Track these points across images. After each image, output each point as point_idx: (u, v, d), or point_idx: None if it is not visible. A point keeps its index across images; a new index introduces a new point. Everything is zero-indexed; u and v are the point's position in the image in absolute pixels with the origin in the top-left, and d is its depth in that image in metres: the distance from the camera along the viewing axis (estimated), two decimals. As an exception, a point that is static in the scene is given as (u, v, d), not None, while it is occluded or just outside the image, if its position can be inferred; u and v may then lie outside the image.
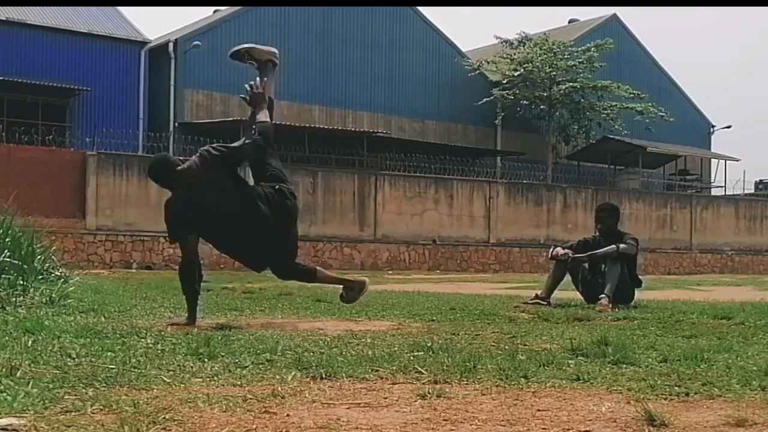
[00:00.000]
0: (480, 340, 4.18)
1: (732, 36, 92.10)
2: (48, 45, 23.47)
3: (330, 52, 27.61)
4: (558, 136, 30.27)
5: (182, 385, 2.68)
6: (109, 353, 3.26)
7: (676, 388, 2.76)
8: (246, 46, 5.41)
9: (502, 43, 30.39)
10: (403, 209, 22.93)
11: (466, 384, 2.84)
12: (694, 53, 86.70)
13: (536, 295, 7.12)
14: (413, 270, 21.68)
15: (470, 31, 77.67)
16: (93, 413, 2.21)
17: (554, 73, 28.69)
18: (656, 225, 27.37)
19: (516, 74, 28.79)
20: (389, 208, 22.44)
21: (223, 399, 2.44)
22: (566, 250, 7.18)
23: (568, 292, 7.43)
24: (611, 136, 29.86)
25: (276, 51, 5.44)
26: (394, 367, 3.11)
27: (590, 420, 2.30)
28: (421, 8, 29.84)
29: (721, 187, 33.13)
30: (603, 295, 6.73)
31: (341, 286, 5.21)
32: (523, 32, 30.42)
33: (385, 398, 2.58)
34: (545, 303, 6.89)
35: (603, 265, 7.06)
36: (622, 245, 7.04)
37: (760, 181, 34.24)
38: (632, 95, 29.16)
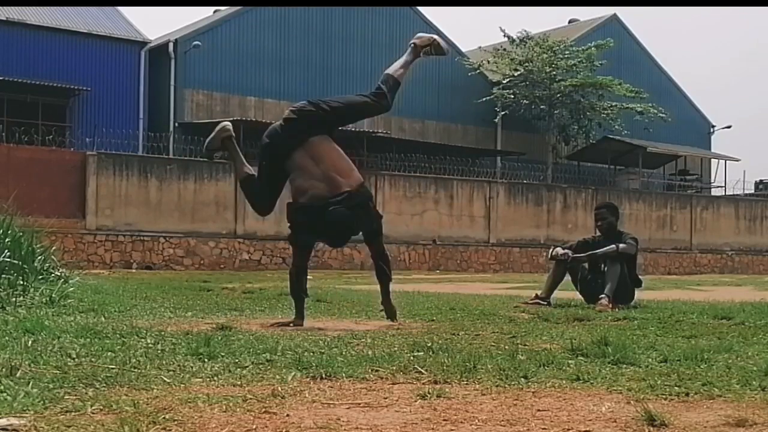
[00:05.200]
0: (480, 340, 4.17)
1: (732, 36, 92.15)
2: (48, 45, 23.46)
3: (330, 52, 27.60)
4: (558, 136, 30.25)
5: (182, 385, 2.68)
6: (109, 353, 3.26)
7: (676, 388, 2.75)
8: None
9: (505, 36, 30.28)
10: (403, 209, 22.92)
11: (466, 384, 2.84)
12: (694, 53, 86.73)
13: (536, 295, 7.13)
14: (413, 270, 21.66)
15: (470, 31, 77.66)
16: (93, 413, 2.21)
17: (554, 72, 28.68)
18: (656, 225, 27.36)
19: (516, 74, 28.77)
20: (389, 208, 22.39)
21: (223, 399, 2.44)
22: (566, 250, 7.19)
23: (568, 292, 7.44)
24: (611, 136, 29.84)
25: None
26: (394, 367, 3.11)
27: (590, 420, 2.30)
28: (421, 8, 29.83)
29: (721, 187, 33.13)
30: (603, 295, 6.74)
31: None
32: (524, 30, 30.41)
33: (385, 398, 2.58)
34: (545, 303, 6.90)
35: (603, 265, 7.07)
36: (621, 245, 7.04)
37: (760, 181, 34.23)
38: (632, 94, 29.14)
